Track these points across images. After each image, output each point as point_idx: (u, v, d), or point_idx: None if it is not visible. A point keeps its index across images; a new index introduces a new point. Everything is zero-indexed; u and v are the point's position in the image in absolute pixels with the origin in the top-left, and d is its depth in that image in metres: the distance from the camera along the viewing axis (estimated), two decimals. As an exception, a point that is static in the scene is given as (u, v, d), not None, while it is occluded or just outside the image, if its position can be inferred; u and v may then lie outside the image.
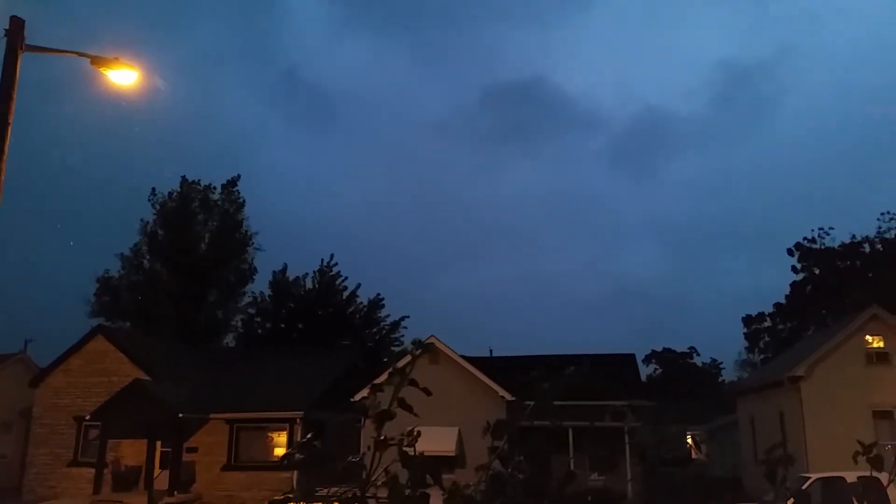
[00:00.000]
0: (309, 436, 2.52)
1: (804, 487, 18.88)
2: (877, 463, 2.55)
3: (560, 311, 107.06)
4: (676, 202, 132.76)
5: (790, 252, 55.94)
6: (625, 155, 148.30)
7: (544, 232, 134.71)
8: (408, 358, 2.23)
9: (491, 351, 37.83)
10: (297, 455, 2.42)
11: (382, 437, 2.03)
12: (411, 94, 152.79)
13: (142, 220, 46.90)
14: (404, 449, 2.03)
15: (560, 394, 2.14)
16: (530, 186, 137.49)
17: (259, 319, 49.93)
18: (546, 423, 2.12)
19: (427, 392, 2.10)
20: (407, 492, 1.99)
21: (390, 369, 2.12)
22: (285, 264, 50.09)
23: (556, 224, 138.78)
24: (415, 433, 2.09)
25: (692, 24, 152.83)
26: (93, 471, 26.89)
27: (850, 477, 18.26)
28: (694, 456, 49.35)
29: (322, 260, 50.16)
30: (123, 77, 11.82)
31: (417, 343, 2.27)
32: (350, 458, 2.20)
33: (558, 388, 2.17)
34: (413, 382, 2.09)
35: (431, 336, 28.74)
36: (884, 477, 2.70)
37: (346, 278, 49.92)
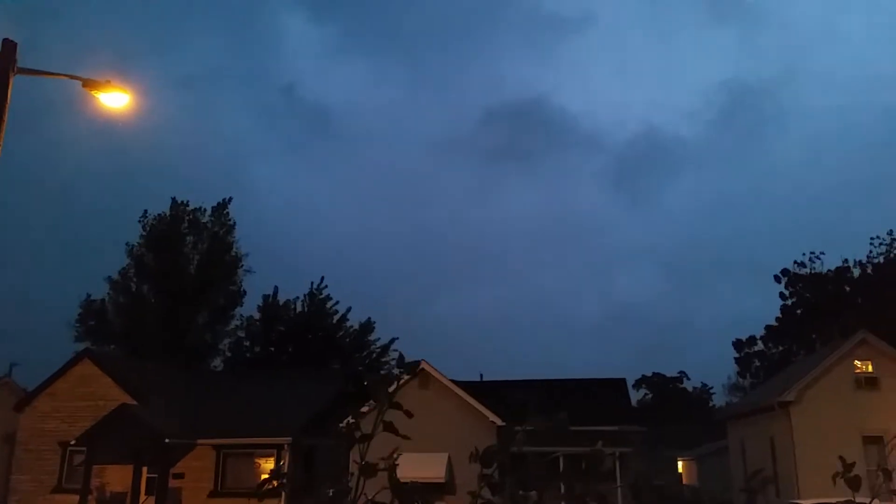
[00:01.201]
0: (282, 464, 2.48)
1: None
2: (854, 484, 2.53)
3: (553, 335, 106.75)
4: (673, 225, 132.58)
5: (777, 279, 56.29)
6: (622, 176, 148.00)
7: (539, 254, 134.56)
8: (386, 379, 2.21)
9: (481, 375, 37.70)
10: (271, 484, 2.37)
11: (366, 462, 2.00)
12: (407, 116, 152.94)
13: (127, 243, 46.70)
14: (392, 475, 2.00)
15: (551, 432, 2.13)
16: (526, 208, 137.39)
17: (248, 343, 49.63)
18: (537, 449, 2.09)
19: (409, 414, 2.07)
20: None
21: (371, 389, 2.09)
22: (276, 287, 49.95)
23: (550, 246, 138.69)
24: (394, 455, 2.06)
25: (694, 44, 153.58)
26: (77, 497, 26.44)
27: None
28: (684, 481, 49.11)
29: (312, 283, 50.08)
30: (115, 100, 11.83)
31: (402, 362, 2.24)
32: (331, 485, 2.17)
33: (551, 426, 2.16)
34: (396, 405, 2.06)
35: (421, 360, 28.65)
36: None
37: (338, 302, 49.84)
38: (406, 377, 2.22)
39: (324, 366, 44.01)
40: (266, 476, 2.31)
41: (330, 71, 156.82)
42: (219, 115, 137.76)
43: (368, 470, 1.99)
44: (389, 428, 2.02)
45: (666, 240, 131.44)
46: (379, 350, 49.98)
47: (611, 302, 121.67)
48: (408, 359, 2.34)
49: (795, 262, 55.88)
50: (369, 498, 1.97)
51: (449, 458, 26.20)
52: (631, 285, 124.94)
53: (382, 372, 43.87)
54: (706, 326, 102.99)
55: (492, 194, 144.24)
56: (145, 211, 47.65)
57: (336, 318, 49.63)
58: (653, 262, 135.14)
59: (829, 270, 54.57)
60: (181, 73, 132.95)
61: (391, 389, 2.09)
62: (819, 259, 55.18)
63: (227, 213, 48.98)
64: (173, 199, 48.17)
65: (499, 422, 26.96)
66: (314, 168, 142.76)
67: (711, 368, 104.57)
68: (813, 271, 55.34)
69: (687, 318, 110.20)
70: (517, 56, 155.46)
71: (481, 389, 31.60)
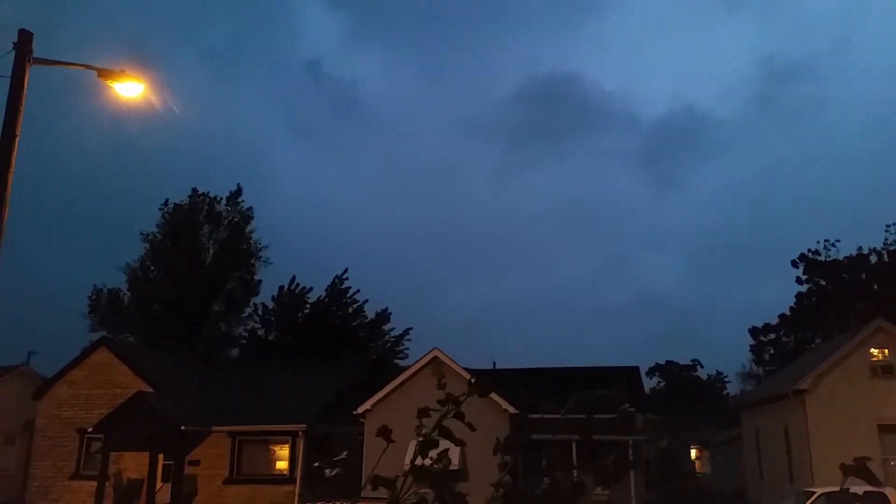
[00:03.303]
0: (345, 454, 2.50)
1: (809, 502, 18.77)
2: (867, 475, 2.50)
3: (571, 322, 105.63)
4: (700, 209, 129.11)
5: (794, 264, 55.88)
6: (652, 158, 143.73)
7: (560, 240, 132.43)
8: (412, 371, 2.22)
9: (494, 363, 37.77)
10: (330, 472, 2.39)
11: (420, 464, 1.99)
12: (431, 99, 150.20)
13: (142, 232, 47.11)
14: (443, 478, 1.98)
15: (565, 419, 2.12)
16: (550, 192, 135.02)
17: (263, 332, 49.93)
18: (552, 436, 2.10)
19: (471, 427, 2.07)
20: None
21: (398, 381, 2.09)
22: (293, 276, 50.21)
23: (573, 231, 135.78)
24: (447, 456, 2.05)
25: (731, 21, 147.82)
26: (95, 484, 26.79)
27: (857, 492, 18.12)
28: (698, 469, 49.09)
29: (336, 276, 50.32)
30: (130, 89, 11.89)
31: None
32: (372, 476, 2.16)
33: (576, 404, 2.15)
34: (459, 415, 2.06)
35: (435, 349, 28.72)
36: (889, 492, 2.69)
37: (358, 291, 50.13)
38: (419, 367, 2.20)
39: (338, 354, 44.25)
40: (318, 464, 2.32)
41: (353, 53, 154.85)
42: (235, 106, 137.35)
43: (423, 472, 1.98)
44: (446, 433, 2.03)
45: (691, 224, 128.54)
46: (393, 339, 50.27)
47: (631, 288, 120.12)
48: (422, 347, 2.35)
49: (810, 249, 55.49)
50: (417, 491, 1.96)
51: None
52: (653, 272, 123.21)
53: (399, 362, 43.69)
54: (725, 313, 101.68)
55: (516, 178, 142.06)
56: (166, 200, 48.08)
57: (353, 308, 49.95)
58: (676, 248, 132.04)
59: (845, 258, 54.13)
60: (198, 61, 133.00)
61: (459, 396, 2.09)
62: (834, 246, 54.77)
63: (242, 201, 49.22)
64: (194, 190, 48.60)
65: (512, 409, 27.00)
66: (335, 153, 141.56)
67: (728, 356, 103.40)
68: (828, 259, 54.92)
69: (707, 305, 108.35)
70: (548, 35, 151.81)
71: (494, 377, 31.64)
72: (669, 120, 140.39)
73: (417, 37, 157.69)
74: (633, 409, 2.24)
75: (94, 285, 46.63)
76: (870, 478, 2.42)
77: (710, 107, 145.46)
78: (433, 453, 2.02)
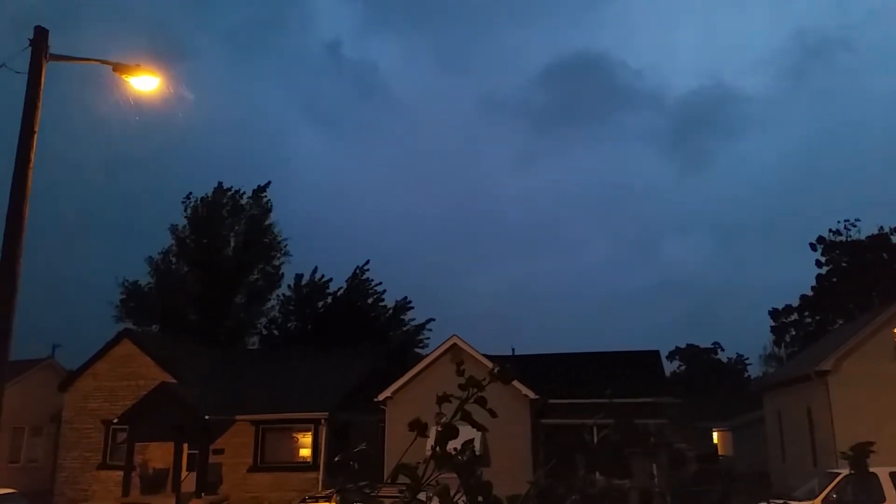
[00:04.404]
0: (364, 445, 2.53)
1: (834, 483, 18.66)
2: (857, 464, 2.45)
3: (595, 306, 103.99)
4: (727, 189, 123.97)
5: (813, 246, 55.33)
6: (680, 137, 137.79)
7: (583, 223, 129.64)
8: (432, 357, 2.23)
9: (513, 350, 37.78)
10: (353, 463, 2.42)
11: (441, 452, 1.99)
12: (449, 86, 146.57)
13: (172, 224, 48.04)
14: (469, 466, 1.99)
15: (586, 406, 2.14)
16: (572, 176, 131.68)
17: (282, 321, 50.36)
18: (570, 422, 2.11)
19: (493, 414, 2.08)
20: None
21: (418, 369, 2.10)
22: (315, 267, 50.63)
23: (596, 214, 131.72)
24: (471, 446, 2.06)
25: None
26: (121, 473, 27.23)
27: (882, 473, 18.03)
28: (720, 452, 48.95)
29: (357, 267, 50.66)
30: (145, 83, 11.96)
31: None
32: (396, 464, 2.17)
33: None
34: (481, 401, 2.07)
35: (454, 336, 28.78)
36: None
37: (380, 283, 50.42)
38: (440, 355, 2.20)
39: (358, 343, 44.52)
40: (338, 458, 2.35)
41: (373, 36, 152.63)
42: (257, 91, 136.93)
43: (445, 460, 1.99)
44: (468, 418, 2.04)
45: (717, 205, 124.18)
46: (413, 328, 50.54)
47: (656, 271, 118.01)
48: (442, 334, 2.36)
49: (830, 229, 54.89)
50: (438, 479, 1.98)
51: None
52: (678, 253, 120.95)
53: (420, 351, 43.88)
54: (751, 294, 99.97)
55: (539, 162, 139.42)
56: (189, 193, 48.79)
57: (373, 298, 50.31)
58: (702, 229, 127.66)
59: (866, 237, 53.50)
60: (221, 34, 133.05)
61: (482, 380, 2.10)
62: (854, 226, 54.14)
63: (266, 195, 49.80)
64: (219, 184, 49.27)
65: (532, 395, 27.05)
66: (354, 140, 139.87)
67: (751, 337, 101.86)
68: (849, 239, 54.31)
69: (732, 286, 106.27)
70: (574, 12, 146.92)
71: (513, 363, 31.67)
72: (697, 97, 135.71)
73: (438, 19, 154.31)
74: (653, 427, 2.25)
75: (124, 278, 47.39)
76: (859, 468, 2.38)
77: (739, 84, 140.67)
78: (456, 443, 2.03)
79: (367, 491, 2.15)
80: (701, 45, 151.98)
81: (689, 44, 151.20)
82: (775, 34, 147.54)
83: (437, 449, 1.99)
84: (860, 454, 2.35)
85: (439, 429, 2.02)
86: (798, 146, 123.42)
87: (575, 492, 2.05)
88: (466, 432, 2.10)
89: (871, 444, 2.53)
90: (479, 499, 1.97)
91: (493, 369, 2.12)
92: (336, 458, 2.51)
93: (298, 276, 50.14)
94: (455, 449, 2.01)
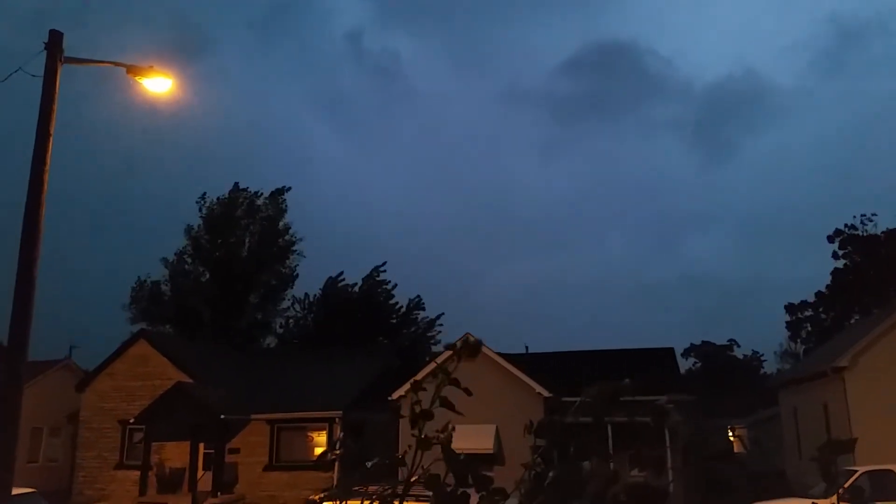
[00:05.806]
0: (341, 435, 2.57)
1: (851, 480, 18.52)
2: (825, 471, 2.31)
3: (613, 301, 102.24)
4: (756, 180, 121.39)
5: (830, 239, 54.86)
6: (704, 128, 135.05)
7: (604, 217, 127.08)
8: (447, 355, 2.26)
9: (527, 347, 37.74)
10: (331, 455, 2.46)
11: (424, 436, 2.04)
12: (470, 79, 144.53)
13: (188, 225, 48.28)
14: (448, 448, 2.04)
15: (608, 398, 2.13)
16: (594, 169, 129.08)
17: (301, 320, 50.54)
18: (588, 420, 2.11)
19: (468, 392, 2.11)
20: (450, 489, 2.00)
21: (432, 367, 2.14)
22: (341, 271, 50.93)
23: (618, 207, 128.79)
24: (449, 429, 2.10)
25: None
26: (138, 473, 27.46)
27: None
28: (736, 450, 48.68)
29: (374, 268, 50.85)
30: (158, 85, 12.04)
31: (457, 346, 2.27)
32: (388, 457, 2.21)
33: (607, 394, 2.16)
34: (454, 382, 2.10)
35: (466, 333, 28.78)
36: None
37: (395, 286, 50.52)
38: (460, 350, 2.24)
39: (371, 342, 44.60)
40: (322, 450, 2.38)
41: (392, 29, 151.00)
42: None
43: (426, 444, 2.04)
44: (446, 404, 2.07)
45: (743, 198, 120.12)
46: (425, 325, 50.56)
47: (677, 265, 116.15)
48: (454, 332, 2.38)
49: (846, 224, 54.41)
50: (425, 468, 2.02)
51: (497, 429, 26.36)
52: (700, 248, 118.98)
53: (433, 348, 43.98)
54: (768, 290, 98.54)
55: (561, 155, 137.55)
56: (204, 193, 49.10)
57: (387, 297, 50.42)
58: (726, 223, 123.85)
59: (882, 232, 53.00)
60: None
61: (445, 363, 2.13)
62: (871, 220, 53.64)
63: (284, 198, 50.05)
64: (235, 184, 49.54)
65: (545, 393, 27.02)
66: (372, 137, 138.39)
67: (766, 334, 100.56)
68: (865, 234, 53.82)
69: (749, 282, 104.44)
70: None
71: (527, 361, 31.62)
72: (726, 86, 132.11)
73: (459, 10, 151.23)
74: (671, 405, 2.23)
75: (138, 277, 47.76)
76: (826, 472, 2.28)
77: (769, 72, 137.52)
78: (467, 444, 2.06)
79: (384, 492, 2.17)
80: (731, 30, 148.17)
81: (718, 29, 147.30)
82: (808, 19, 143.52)
83: (421, 435, 2.04)
84: (830, 454, 2.25)
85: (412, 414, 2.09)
86: (827, 136, 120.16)
87: (566, 476, 2.06)
88: (473, 431, 2.12)
89: (854, 440, 2.44)
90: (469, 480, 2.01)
91: (455, 344, 2.16)
92: (326, 453, 2.53)
93: (329, 278, 50.37)
94: (437, 432, 2.07)
